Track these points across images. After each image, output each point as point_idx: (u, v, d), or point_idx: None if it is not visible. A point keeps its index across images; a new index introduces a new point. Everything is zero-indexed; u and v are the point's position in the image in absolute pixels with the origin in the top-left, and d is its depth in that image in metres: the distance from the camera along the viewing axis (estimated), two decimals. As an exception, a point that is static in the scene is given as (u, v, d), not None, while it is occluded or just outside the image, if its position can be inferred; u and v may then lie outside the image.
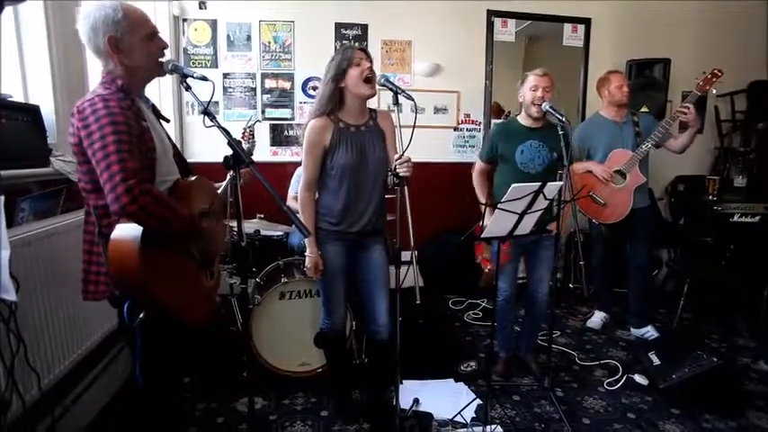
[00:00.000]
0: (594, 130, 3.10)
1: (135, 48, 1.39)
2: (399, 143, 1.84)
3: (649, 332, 3.11)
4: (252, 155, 2.05)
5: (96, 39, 1.36)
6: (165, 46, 1.48)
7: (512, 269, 2.50)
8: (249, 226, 2.78)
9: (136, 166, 1.25)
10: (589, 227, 3.25)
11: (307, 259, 2.03)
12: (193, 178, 1.58)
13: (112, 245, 1.26)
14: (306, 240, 2.02)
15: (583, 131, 3.16)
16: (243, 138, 2.12)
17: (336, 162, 1.95)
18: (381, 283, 2.10)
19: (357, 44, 2.04)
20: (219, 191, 1.67)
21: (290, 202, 2.90)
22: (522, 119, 2.48)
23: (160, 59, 1.46)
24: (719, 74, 2.77)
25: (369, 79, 1.90)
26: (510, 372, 2.63)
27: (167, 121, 1.63)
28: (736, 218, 3.36)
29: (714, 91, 2.87)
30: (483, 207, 2.39)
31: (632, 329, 3.22)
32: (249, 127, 2.18)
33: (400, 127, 1.84)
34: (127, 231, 1.26)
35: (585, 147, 3.10)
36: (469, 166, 2.64)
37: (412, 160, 1.81)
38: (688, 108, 2.76)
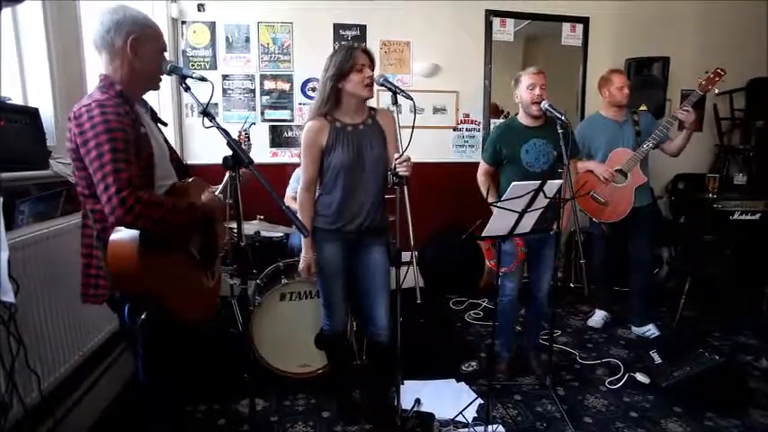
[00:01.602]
0: (595, 129, 3.10)
1: (150, 55, 1.43)
2: (399, 143, 1.84)
3: (651, 330, 3.11)
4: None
5: (116, 34, 1.37)
6: (167, 68, 1.50)
7: (519, 269, 2.50)
8: (249, 227, 2.77)
9: (131, 175, 1.25)
10: (590, 226, 3.25)
11: (301, 260, 2.04)
12: (190, 180, 1.58)
13: (111, 247, 1.26)
14: (302, 241, 2.02)
15: (583, 131, 3.16)
16: (238, 140, 2.12)
17: (332, 161, 1.95)
18: (381, 285, 2.08)
19: (361, 45, 2.04)
20: (217, 192, 1.67)
21: (289, 202, 2.90)
22: (522, 118, 2.48)
23: (161, 74, 1.49)
24: (722, 73, 2.77)
25: (368, 84, 1.90)
26: (513, 371, 2.62)
27: (165, 124, 1.64)
28: (736, 215, 3.36)
29: (716, 90, 2.87)
30: (492, 206, 2.38)
31: (633, 328, 3.21)
32: (245, 130, 2.18)
33: (399, 127, 1.84)
34: (125, 233, 1.26)
35: (586, 146, 3.10)
36: (469, 165, 2.65)
37: (411, 160, 1.81)
38: (688, 110, 2.77)
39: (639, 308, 3.18)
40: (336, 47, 3.63)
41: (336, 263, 2.05)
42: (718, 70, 2.77)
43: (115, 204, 1.21)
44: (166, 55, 1.51)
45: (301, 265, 2.04)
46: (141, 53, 1.40)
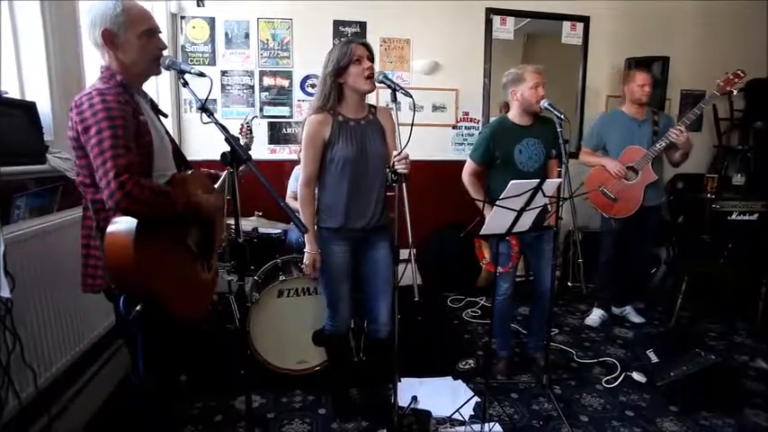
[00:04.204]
0: (612, 124, 3.15)
1: (130, 44, 1.40)
2: (398, 141, 1.84)
3: (627, 311, 3.34)
4: (250, 149, 2.05)
5: (94, 32, 1.38)
6: (164, 47, 1.48)
7: (513, 268, 2.50)
8: (247, 224, 2.77)
9: (130, 162, 1.26)
10: (601, 223, 3.28)
11: (305, 256, 2.02)
12: (190, 172, 1.58)
13: (108, 238, 1.26)
14: (305, 237, 2.01)
15: (601, 125, 3.24)
16: (241, 133, 2.12)
17: (336, 155, 1.94)
18: (384, 282, 2.08)
19: (358, 39, 2.02)
20: (217, 184, 1.67)
21: (289, 201, 2.89)
22: (515, 117, 2.45)
23: (157, 58, 1.45)
24: (742, 75, 2.79)
25: (369, 76, 1.89)
26: (511, 370, 2.63)
27: (165, 116, 1.63)
28: (734, 216, 3.36)
29: (734, 91, 2.87)
30: (482, 205, 2.38)
31: (614, 308, 3.38)
32: (247, 122, 2.18)
33: (398, 125, 1.84)
34: (122, 225, 1.26)
35: (602, 140, 3.16)
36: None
37: (410, 158, 1.81)
38: (680, 131, 2.80)
39: (625, 292, 3.35)
40: (335, 43, 3.63)
41: (343, 263, 2.04)
42: (739, 71, 2.79)
43: (114, 188, 1.21)
44: (162, 36, 1.48)
45: (306, 261, 2.01)
46: (119, 44, 1.39)
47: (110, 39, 1.37)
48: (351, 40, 1.93)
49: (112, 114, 1.27)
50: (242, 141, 2.05)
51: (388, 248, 2.08)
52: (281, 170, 3.27)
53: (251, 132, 2.11)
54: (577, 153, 4.09)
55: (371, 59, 1.92)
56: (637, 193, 3.00)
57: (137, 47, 1.41)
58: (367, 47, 1.93)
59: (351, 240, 2.04)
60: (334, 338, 2.21)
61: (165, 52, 1.49)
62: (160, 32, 1.48)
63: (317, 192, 2.06)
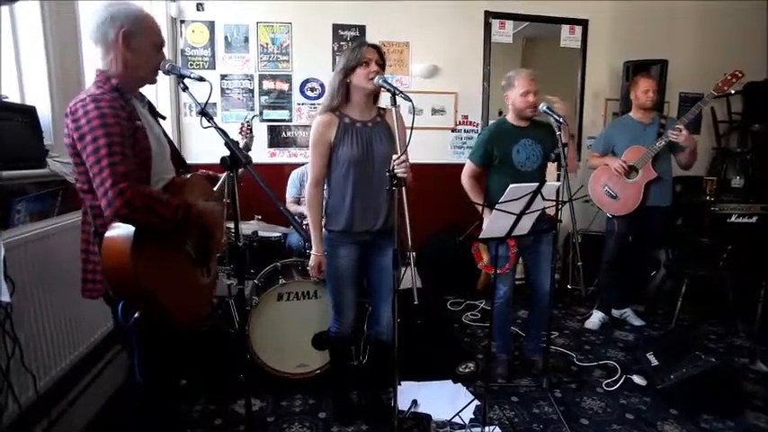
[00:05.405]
0: (620, 129, 3.21)
1: (143, 50, 1.42)
2: (398, 144, 1.85)
3: (627, 314, 3.36)
4: (250, 149, 2.05)
5: (109, 27, 1.37)
6: (165, 60, 1.49)
7: (511, 270, 2.50)
8: (247, 227, 2.77)
9: (127, 169, 1.25)
10: (607, 223, 3.30)
11: (311, 258, 2.02)
12: (189, 175, 1.58)
13: (105, 244, 1.26)
14: (312, 239, 2.00)
15: (609, 130, 3.31)
16: (241, 132, 2.12)
17: (342, 156, 1.95)
18: (390, 286, 2.07)
19: (371, 42, 2.03)
20: (216, 187, 1.67)
21: (288, 206, 2.89)
22: (512, 119, 2.49)
23: (156, 68, 1.48)
24: (740, 75, 2.85)
25: (371, 79, 1.90)
26: (511, 373, 2.62)
27: (163, 118, 1.64)
28: (733, 218, 3.37)
29: (732, 91, 2.93)
30: (481, 208, 2.39)
31: (613, 311, 3.39)
32: (248, 121, 2.18)
33: (404, 127, 1.85)
34: (120, 231, 1.26)
35: (610, 145, 3.21)
36: (468, 167, 2.63)
37: (410, 161, 1.81)
38: (680, 130, 2.82)
39: (626, 293, 3.37)
40: (334, 48, 3.64)
41: (350, 267, 2.03)
42: (737, 72, 2.84)
43: (112, 197, 1.20)
44: (165, 52, 1.50)
45: (311, 263, 2.02)
46: (134, 46, 1.40)
47: (127, 39, 1.38)
48: (363, 43, 1.96)
49: (107, 121, 1.26)
50: (242, 141, 2.06)
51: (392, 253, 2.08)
52: (281, 174, 3.27)
53: (251, 132, 2.11)
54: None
55: (381, 64, 1.93)
56: (636, 191, 3.03)
57: (146, 54, 1.43)
58: (378, 51, 1.95)
59: (358, 244, 2.03)
60: (337, 341, 2.21)
61: (165, 53, 1.50)
62: (164, 47, 1.51)
63: (325, 194, 2.06)
